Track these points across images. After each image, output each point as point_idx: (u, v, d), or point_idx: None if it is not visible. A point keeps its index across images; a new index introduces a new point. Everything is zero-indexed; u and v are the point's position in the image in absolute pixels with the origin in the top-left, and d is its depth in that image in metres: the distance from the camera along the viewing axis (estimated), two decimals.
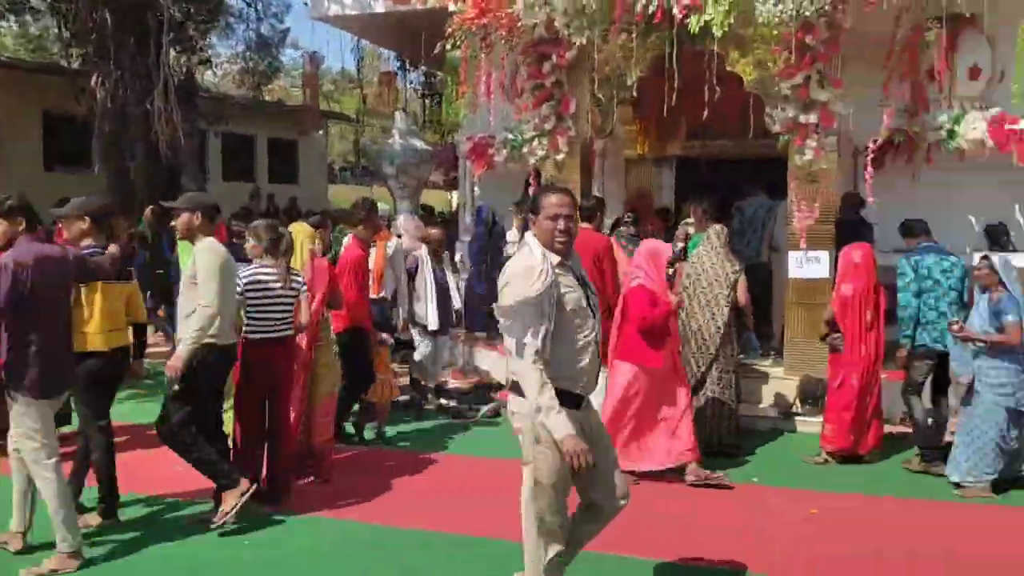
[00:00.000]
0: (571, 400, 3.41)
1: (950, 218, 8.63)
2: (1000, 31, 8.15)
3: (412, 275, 7.84)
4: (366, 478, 6.04)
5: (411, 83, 18.03)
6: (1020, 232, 8.66)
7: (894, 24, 7.37)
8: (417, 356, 7.87)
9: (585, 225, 7.34)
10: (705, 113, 7.44)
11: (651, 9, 7.31)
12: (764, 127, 7.74)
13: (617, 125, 9.54)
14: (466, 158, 10.79)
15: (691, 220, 7.89)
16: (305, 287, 5.56)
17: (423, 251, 7.94)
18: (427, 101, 14.95)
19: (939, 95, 8.19)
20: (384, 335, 7.12)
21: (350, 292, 6.44)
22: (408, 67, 16.28)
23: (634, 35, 7.59)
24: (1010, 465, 5.91)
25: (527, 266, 3.36)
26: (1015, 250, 8.32)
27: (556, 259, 3.41)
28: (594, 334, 3.49)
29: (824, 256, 7.63)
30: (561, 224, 3.42)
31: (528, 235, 3.52)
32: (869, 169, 7.73)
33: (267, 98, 24.59)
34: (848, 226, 7.83)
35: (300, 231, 6.83)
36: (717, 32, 7.07)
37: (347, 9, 11.29)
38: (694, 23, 7.16)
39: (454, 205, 14.85)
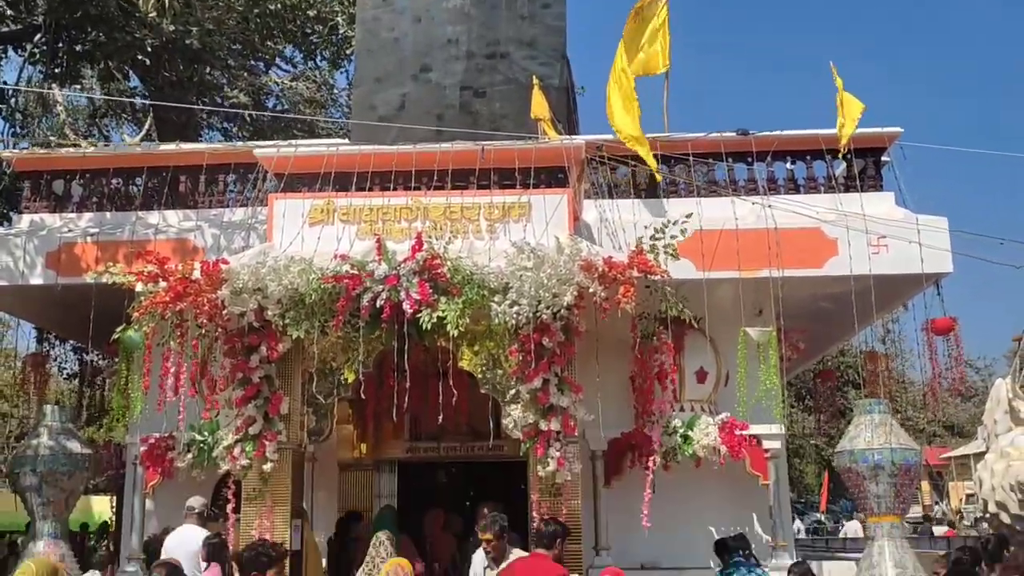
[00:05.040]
0: None
1: (689, 527, 8.22)
2: (722, 334, 8.26)
3: None
4: None
5: (64, 367, 15.40)
6: (760, 544, 8.27)
7: (630, 329, 7.12)
8: None
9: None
10: (440, 418, 6.56)
11: (379, 303, 6.53)
12: (500, 429, 7.00)
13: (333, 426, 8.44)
14: (138, 463, 8.56)
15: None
16: None
17: None
18: (87, 389, 12.23)
19: (671, 400, 7.99)
20: None
21: None
22: (62, 345, 13.88)
23: (359, 329, 6.72)
24: None
25: None
26: (757, 563, 7.92)
27: None
28: None
29: None
30: None
31: None
32: None
33: None
34: None
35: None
36: (453, 331, 6.44)
37: None
38: (426, 319, 6.47)
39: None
